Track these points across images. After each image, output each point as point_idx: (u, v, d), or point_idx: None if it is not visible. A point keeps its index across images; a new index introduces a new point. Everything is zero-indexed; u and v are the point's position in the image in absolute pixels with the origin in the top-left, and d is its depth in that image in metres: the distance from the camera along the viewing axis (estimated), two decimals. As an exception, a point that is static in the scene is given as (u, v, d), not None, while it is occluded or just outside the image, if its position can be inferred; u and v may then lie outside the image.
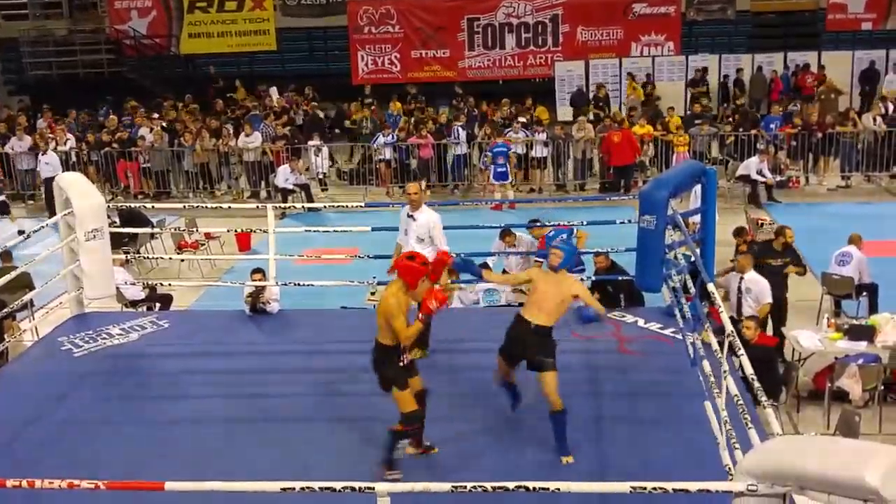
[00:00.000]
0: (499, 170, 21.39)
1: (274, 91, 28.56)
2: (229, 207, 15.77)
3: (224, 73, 31.16)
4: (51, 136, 23.28)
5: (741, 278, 11.66)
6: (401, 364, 7.43)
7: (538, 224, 13.32)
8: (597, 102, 26.47)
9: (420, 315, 7.35)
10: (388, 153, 22.25)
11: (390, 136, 22.39)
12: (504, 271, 13.53)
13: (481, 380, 8.91)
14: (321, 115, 26.18)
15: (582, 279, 12.52)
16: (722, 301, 11.16)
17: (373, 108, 25.56)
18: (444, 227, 9.93)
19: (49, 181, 21.37)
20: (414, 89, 28.03)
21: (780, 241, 12.83)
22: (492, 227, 12.56)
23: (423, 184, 21.99)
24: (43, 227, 10.97)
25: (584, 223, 12.57)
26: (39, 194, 22.80)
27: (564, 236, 12.96)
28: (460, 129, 22.26)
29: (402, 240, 9.87)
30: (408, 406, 7.42)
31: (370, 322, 7.83)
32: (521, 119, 22.81)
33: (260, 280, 11.20)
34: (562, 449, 7.76)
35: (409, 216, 9.77)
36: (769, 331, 11.95)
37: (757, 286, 11.57)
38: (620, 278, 11.93)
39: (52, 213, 20.92)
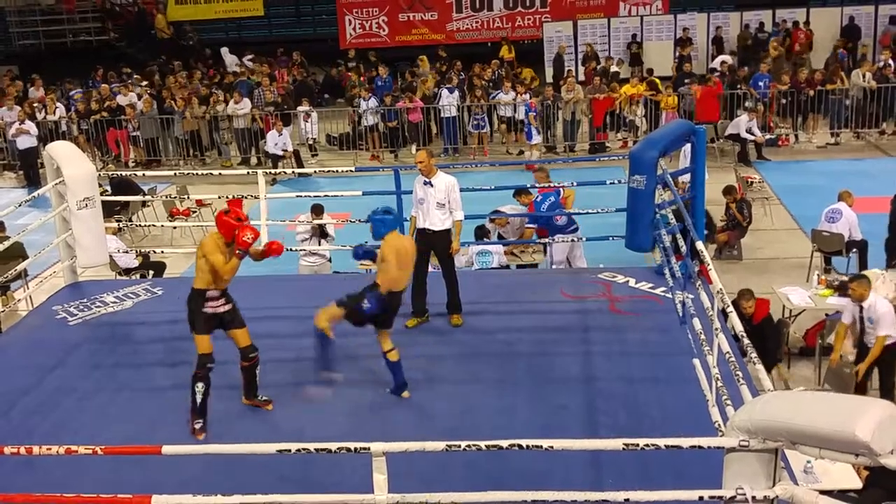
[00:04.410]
0: (525, 129, 21.47)
1: (225, 52, 28.36)
2: (220, 174, 15.73)
3: (212, 39, 31.01)
4: (39, 105, 23.19)
5: (860, 307, 10.24)
6: (204, 310, 7.90)
7: (526, 190, 13.28)
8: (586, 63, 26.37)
9: (237, 250, 7.81)
10: (371, 119, 22.25)
11: (372, 99, 22.34)
12: (500, 235, 13.55)
13: (473, 342, 8.97)
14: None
15: (576, 238, 12.58)
16: (844, 332, 10.45)
17: (362, 76, 25.46)
18: None
19: (25, 152, 21.45)
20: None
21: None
22: (483, 189, 12.45)
23: (414, 148, 22.03)
24: (34, 196, 10.93)
25: (574, 184, 12.58)
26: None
27: (552, 199, 12.98)
28: (447, 91, 22.22)
29: (418, 210, 9.55)
30: (199, 349, 7.85)
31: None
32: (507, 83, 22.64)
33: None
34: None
35: (427, 183, 9.42)
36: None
37: (877, 314, 10.10)
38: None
39: (29, 181, 21.10)
